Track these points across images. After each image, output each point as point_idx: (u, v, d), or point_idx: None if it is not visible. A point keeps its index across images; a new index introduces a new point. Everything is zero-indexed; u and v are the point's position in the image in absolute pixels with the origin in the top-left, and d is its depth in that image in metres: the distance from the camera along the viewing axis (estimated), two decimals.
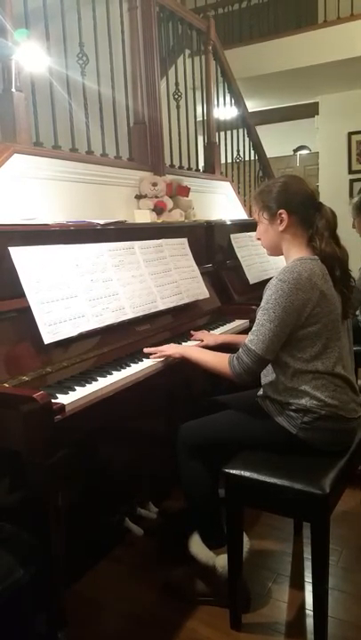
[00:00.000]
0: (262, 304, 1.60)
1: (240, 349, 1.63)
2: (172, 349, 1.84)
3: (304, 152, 8.30)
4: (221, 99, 4.35)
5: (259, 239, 1.81)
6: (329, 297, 1.60)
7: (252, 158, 4.99)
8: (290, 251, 1.71)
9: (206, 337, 2.12)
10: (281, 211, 1.68)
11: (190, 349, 1.86)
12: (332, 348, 1.61)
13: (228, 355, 1.68)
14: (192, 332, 2.17)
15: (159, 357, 1.82)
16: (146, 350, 1.85)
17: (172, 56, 4.02)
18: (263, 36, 5.67)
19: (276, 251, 1.77)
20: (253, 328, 1.61)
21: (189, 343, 2.07)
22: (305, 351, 1.61)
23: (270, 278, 1.64)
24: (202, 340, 2.09)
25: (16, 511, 1.53)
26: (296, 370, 1.62)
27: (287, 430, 1.63)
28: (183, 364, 1.84)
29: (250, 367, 1.61)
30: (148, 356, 1.83)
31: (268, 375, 1.71)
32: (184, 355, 1.82)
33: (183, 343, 2.06)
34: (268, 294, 1.59)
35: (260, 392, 1.74)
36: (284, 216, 1.68)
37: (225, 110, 4.44)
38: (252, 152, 4.94)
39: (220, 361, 1.70)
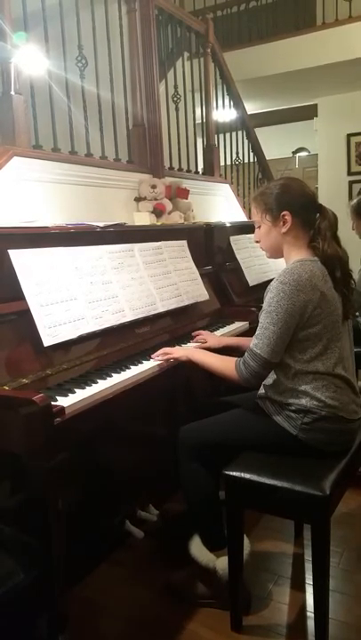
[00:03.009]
0: (264, 307, 1.60)
1: (246, 354, 1.63)
2: (179, 352, 1.85)
3: (303, 154, 8.31)
4: (220, 101, 4.35)
5: (258, 242, 1.81)
6: (329, 298, 1.61)
7: (252, 160, 4.99)
8: (290, 253, 1.71)
9: (210, 338, 2.11)
10: (284, 212, 1.68)
11: (197, 352, 1.86)
12: (333, 349, 1.62)
13: (235, 359, 1.68)
14: (194, 333, 2.16)
15: (165, 359, 1.82)
16: (153, 355, 1.84)
17: (171, 58, 4.02)
18: (262, 38, 5.69)
19: (276, 253, 1.77)
20: (257, 332, 1.61)
21: (191, 344, 2.07)
22: (306, 352, 1.61)
23: (270, 280, 1.65)
24: (205, 341, 2.09)
25: (17, 514, 1.53)
26: (297, 370, 1.62)
27: (287, 431, 1.63)
28: (183, 365, 1.84)
29: (257, 371, 1.61)
30: (148, 358, 1.83)
31: (268, 376, 1.71)
32: (191, 358, 1.82)
33: (183, 345, 2.06)
34: (270, 297, 1.59)
35: (261, 392, 1.74)
36: (288, 218, 1.67)
37: (224, 112, 4.44)
38: (252, 154, 4.94)
39: (226, 365, 1.71)
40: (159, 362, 1.81)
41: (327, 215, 1.69)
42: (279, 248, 1.74)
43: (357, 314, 2.96)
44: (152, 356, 1.84)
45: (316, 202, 1.72)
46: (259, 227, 1.78)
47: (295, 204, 1.68)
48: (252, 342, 1.62)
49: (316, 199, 1.73)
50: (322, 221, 1.68)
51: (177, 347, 1.93)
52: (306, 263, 1.62)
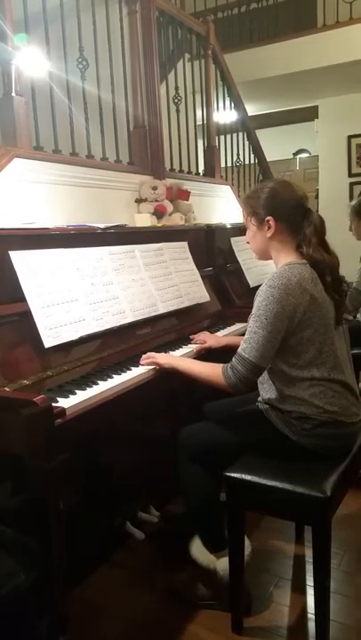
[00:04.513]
0: (253, 311, 1.59)
1: (233, 359, 1.60)
2: (163, 359, 1.79)
3: (304, 155, 8.32)
4: (221, 102, 4.35)
5: (248, 243, 1.81)
6: (320, 301, 1.59)
7: (252, 162, 5.00)
8: (279, 256, 1.70)
9: (209, 338, 2.11)
10: (268, 218, 1.67)
11: (182, 360, 1.80)
12: (328, 353, 1.60)
13: (222, 365, 1.63)
14: (192, 337, 2.15)
15: (149, 364, 1.77)
16: (141, 361, 1.80)
17: (172, 60, 4.02)
18: (263, 39, 5.69)
19: (264, 255, 1.77)
20: (246, 336, 1.58)
21: (191, 346, 2.07)
22: (299, 357, 1.59)
23: None
24: (205, 342, 2.09)
25: (17, 515, 1.53)
26: (292, 377, 1.60)
27: (287, 436, 1.63)
28: None
29: (245, 376, 1.57)
30: None
31: (264, 383, 1.70)
32: (175, 366, 1.76)
33: (184, 347, 2.06)
34: (259, 301, 1.57)
35: (260, 398, 1.73)
36: (272, 223, 1.67)
37: (225, 114, 4.45)
38: (252, 155, 4.95)
39: (213, 372, 1.65)
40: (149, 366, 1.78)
41: (313, 221, 1.66)
42: (266, 251, 1.74)
43: (359, 315, 2.96)
44: (140, 361, 1.80)
45: (304, 206, 1.69)
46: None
47: (281, 210, 1.67)
48: (241, 347, 1.59)
49: (304, 203, 1.69)
50: (307, 227, 1.66)
51: (162, 353, 1.86)
52: (295, 266, 1.60)
